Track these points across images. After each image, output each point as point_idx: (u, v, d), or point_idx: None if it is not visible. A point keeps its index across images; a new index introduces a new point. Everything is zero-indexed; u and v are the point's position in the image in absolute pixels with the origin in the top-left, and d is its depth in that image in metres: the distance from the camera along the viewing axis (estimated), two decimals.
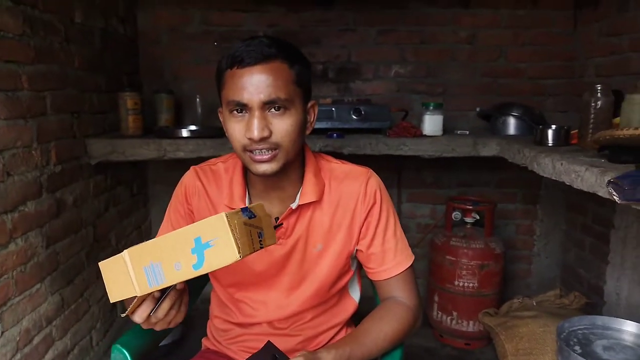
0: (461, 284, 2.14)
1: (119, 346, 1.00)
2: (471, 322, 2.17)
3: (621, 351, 1.45)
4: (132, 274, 0.71)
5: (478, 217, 2.20)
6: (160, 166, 2.57)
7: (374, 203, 1.05)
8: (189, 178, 1.11)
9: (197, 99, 2.29)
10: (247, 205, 1.03)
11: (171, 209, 1.12)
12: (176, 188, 1.14)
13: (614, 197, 1.19)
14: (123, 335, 1.04)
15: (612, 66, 2.12)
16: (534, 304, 2.06)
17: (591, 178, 1.33)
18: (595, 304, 2.10)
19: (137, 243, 2.27)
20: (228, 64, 0.92)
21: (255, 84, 0.89)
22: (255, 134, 0.90)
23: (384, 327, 1.00)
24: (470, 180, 2.59)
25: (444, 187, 2.59)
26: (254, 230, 0.72)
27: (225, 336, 1.14)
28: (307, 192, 1.02)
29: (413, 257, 1.07)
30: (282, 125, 0.92)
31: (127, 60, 2.33)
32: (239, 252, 0.67)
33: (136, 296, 0.72)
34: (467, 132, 2.21)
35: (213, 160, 1.14)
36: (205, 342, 1.21)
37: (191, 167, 1.14)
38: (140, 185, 2.52)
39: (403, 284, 1.05)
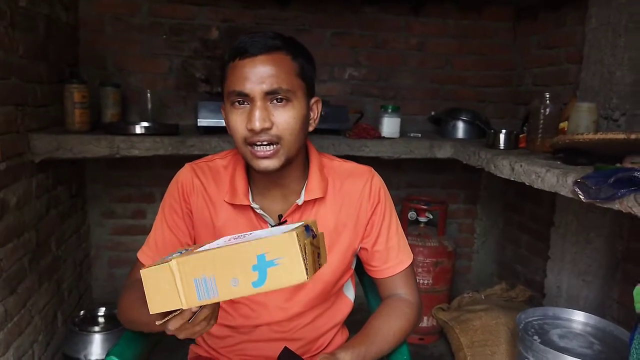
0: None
1: (113, 357, 0.92)
2: (425, 318, 2.25)
3: (574, 339, 1.58)
4: (179, 286, 0.66)
5: (431, 217, 2.29)
6: (100, 164, 2.41)
7: (379, 201, 1.06)
8: (185, 175, 1.06)
9: (148, 94, 2.17)
10: (250, 202, 1.00)
11: (166, 208, 1.06)
12: (170, 186, 1.07)
13: (580, 196, 1.29)
14: (115, 346, 0.96)
15: (549, 76, 2.30)
16: (483, 297, 2.19)
17: (552, 179, 1.44)
18: (535, 297, 2.27)
19: (76, 248, 2.14)
20: (231, 56, 0.92)
21: (257, 74, 0.89)
22: (257, 124, 0.88)
23: (393, 324, 1.01)
24: (418, 181, 2.70)
25: (393, 188, 2.66)
26: (315, 251, 0.70)
27: (222, 343, 1.09)
28: (312, 188, 1.01)
29: (412, 255, 1.10)
30: (284, 117, 0.91)
31: (68, 50, 2.15)
32: (307, 274, 0.65)
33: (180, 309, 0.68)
34: (420, 135, 2.30)
35: (209, 156, 1.10)
36: (194, 349, 1.15)
37: (186, 164, 1.08)
38: (79, 185, 2.34)
39: (406, 281, 1.07)
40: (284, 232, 0.66)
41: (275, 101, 0.91)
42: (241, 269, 0.65)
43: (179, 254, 0.71)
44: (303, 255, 0.65)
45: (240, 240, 0.69)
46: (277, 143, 0.91)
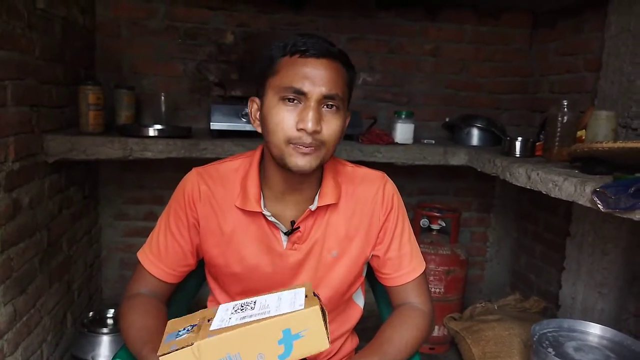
0: None
1: None
2: (436, 327, 2.21)
3: (590, 352, 1.54)
4: None
5: (444, 225, 2.26)
6: (113, 166, 2.42)
7: (392, 208, 1.04)
8: (191, 182, 1.04)
9: (162, 97, 2.18)
10: (262, 209, 0.98)
11: (171, 214, 1.04)
12: (176, 192, 1.06)
13: (599, 205, 1.26)
14: (122, 349, 0.95)
15: (566, 84, 2.27)
16: (496, 308, 2.15)
17: (570, 188, 1.41)
18: (549, 308, 2.22)
19: (87, 249, 2.12)
20: (287, 51, 0.90)
21: (319, 75, 0.88)
22: (310, 125, 0.87)
23: (405, 334, 0.98)
24: (431, 188, 2.67)
25: (405, 195, 2.63)
26: (325, 313, 0.74)
27: None
28: (326, 194, 1.00)
29: (425, 263, 1.08)
30: (332, 124, 0.91)
31: (84, 52, 2.17)
32: (329, 341, 0.70)
33: None
34: (433, 142, 2.27)
35: (219, 160, 1.08)
36: None
37: (193, 169, 1.07)
38: (92, 186, 2.35)
39: (418, 289, 1.05)
40: (305, 305, 0.70)
41: (326, 106, 0.90)
42: (267, 344, 0.68)
43: (186, 331, 0.71)
44: (325, 326, 0.70)
45: (255, 314, 0.71)
46: (319, 147, 0.90)
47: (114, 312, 2.09)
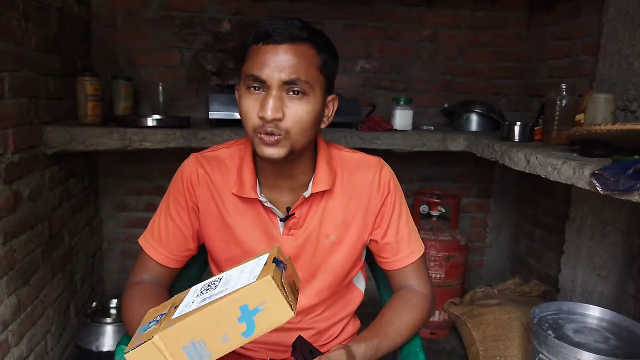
0: None
1: (124, 347, 0.92)
2: (437, 312, 2.23)
3: (589, 333, 1.55)
4: (169, 359, 0.65)
5: (444, 211, 2.27)
6: (112, 157, 2.42)
7: (388, 192, 1.04)
8: (189, 166, 1.05)
9: (160, 87, 2.17)
10: (258, 195, 0.99)
11: (170, 200, 1.05)
12: (175, 177, 1.06)
13: (597, 188, 1.26)
14: (126, 336, 0.96)
15: (564, 68, 2.26)
16: (496, 292, 2.16)
17: (569, 171, 1.41)
18: (549, 292, 2.24)
19: (89, 240, 2.14)
20: (254, 39, 0.89)
21: (278, 62, 0.86)
22: (269, 113, 0.86)
23: (405, 316, 0.99)
24: (430, 174, 2.67)
25: (405, 182, 2.64)
26: (291, 280, 0.70)
27: None
28: (319, 180, 1.00)
29: (424, 247, 1.08)
30: (296, 111, 0.88)
31: (81, 43, 2.16)
32: (292, 310, 0.65)
33: None
34: (432, 128, 2.27)
35: (214, 147, 1.08)
36: None
37: (190, 155, 1.07)
38: (92, 178, 2.35)
39: (417, 272, 1.06)
40: (258, 277, 0.65)
41: (291, 92, 0.88)
42: (228, 324, 0.65)
43: (155, 321, 0.70)
44: (284, 294, 0.65)
45: (215, 293, 0.68)
46: (284, 136, 0.89)
47: (117, 302, 2.10)
